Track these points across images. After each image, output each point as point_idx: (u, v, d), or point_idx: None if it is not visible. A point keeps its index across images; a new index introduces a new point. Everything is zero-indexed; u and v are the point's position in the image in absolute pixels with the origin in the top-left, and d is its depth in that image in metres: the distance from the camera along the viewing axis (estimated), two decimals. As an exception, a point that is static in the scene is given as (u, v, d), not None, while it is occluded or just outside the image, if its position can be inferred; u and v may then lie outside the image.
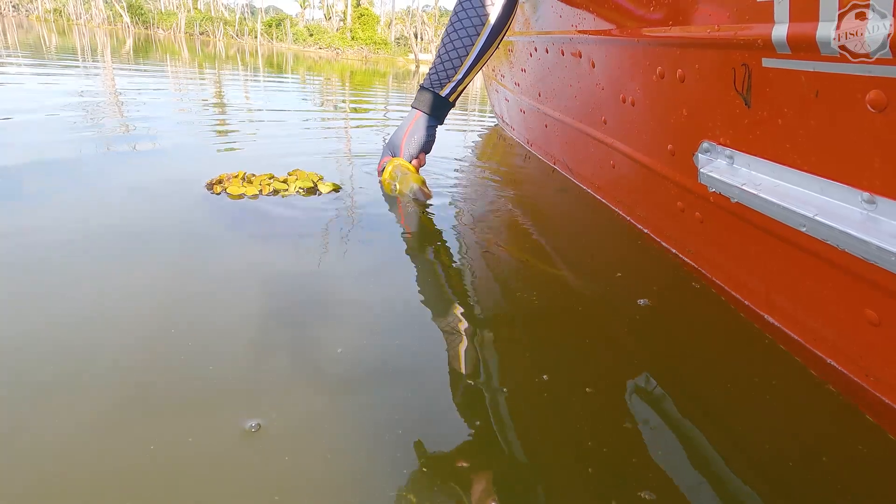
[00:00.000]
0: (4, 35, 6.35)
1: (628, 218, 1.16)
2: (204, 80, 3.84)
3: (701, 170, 0.79)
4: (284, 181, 1.25)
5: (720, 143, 0.75)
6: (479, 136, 2.44)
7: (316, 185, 1.26)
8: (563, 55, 1.32)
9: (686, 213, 0.90)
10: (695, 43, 0.77)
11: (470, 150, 2.03)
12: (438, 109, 1.26)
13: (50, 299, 0.69)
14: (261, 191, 1.18)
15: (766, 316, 0.75)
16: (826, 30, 0.53)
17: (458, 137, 2.37)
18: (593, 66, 1.15)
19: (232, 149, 1.64)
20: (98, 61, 4.31)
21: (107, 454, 0.45)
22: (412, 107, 1.28)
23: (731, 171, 0.73)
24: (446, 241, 1.01)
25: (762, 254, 0.73)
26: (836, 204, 0.57)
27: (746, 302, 0.79)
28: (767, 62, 0.63)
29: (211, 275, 0.80)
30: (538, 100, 1.64)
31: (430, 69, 1.27)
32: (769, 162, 0.66)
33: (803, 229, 0.60)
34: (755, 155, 0.69)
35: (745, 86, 0.67)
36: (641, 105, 0.98)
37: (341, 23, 18.58)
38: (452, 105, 1.28)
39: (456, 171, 1.59)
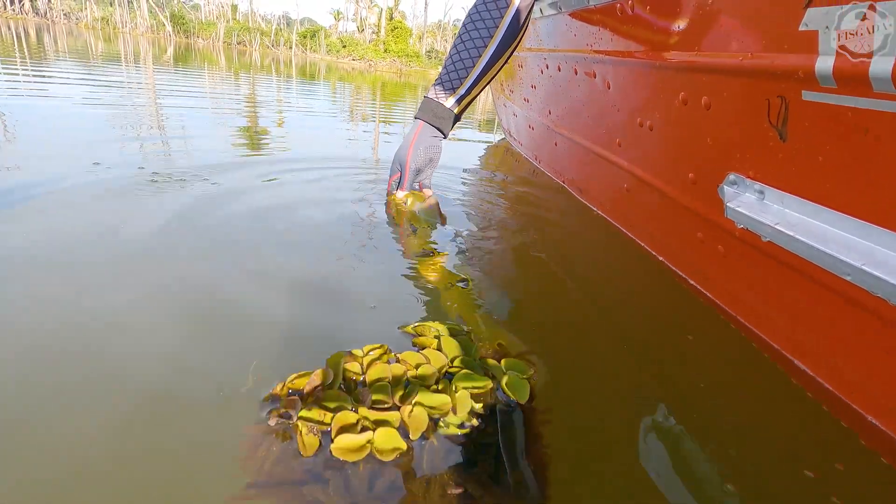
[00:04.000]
0: (56, 42, 6.43)
1: (639, 241, 1.08)
2: (239, 88, 3.83)
3: (728, 204, 0.71)
4: (442, 388, 0.53)
5: (749, 177, 0.67)
6: (486, 149, 2.36)
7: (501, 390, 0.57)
8: (577, 74, 1.24)
9: (706, 244, 0.82)
10: (724, 70, 0.69)
11: (477, 164, 1.95)
12: (442, 121, 1.13)
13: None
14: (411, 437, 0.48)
15: (789, 356, 0.67)
16: (882, 65, 0.45)
17: (464, 150, 2.29)
18: (608, 87, 1.08)
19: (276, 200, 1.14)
20: (140, 68, 4.33)
21: (117, 457, 0.44)
22: (415, 118, 1.15)
23: (761, 207, 0.65)
24: (451, 262, 0.94)
25: (792, 294, 0.65)
26: (885, 253, 0.49)
27: (766, 338, 0.71)
28: (808, 95, 0.55)
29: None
30: (548, 117, 1.56)
31: (435, 80, 1.16)
32: (806, 201, 0.58)
33: (847, 278, 0.52)
34: (789, 192, 0.61)
35: (780, 119, 0.60)
36: (661, 130, 0.90)
37: (374, 35, 18.50)
38: (458, 118, 1.15)
39: (462, 185, 1.52)
